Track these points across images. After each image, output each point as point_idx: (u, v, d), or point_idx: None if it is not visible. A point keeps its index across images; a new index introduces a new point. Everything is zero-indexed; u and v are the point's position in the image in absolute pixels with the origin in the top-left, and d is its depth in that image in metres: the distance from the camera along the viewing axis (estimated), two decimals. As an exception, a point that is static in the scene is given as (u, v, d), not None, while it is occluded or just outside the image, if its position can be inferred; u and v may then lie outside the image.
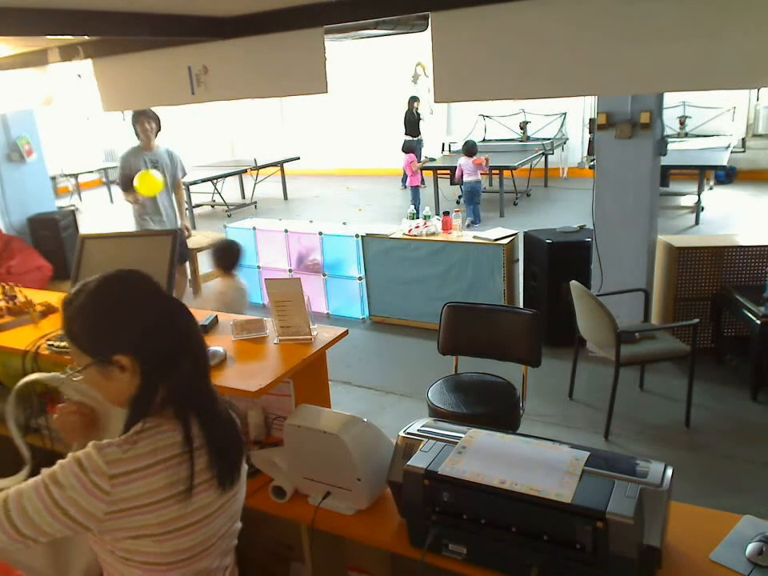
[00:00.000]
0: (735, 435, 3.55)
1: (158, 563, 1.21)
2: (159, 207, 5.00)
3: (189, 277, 6.12)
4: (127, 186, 4.86)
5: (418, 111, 11.15)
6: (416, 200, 8.97)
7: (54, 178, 9.98)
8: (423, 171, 9.29)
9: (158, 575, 1.22)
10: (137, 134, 4.93)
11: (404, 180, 11.49)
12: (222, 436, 1.28)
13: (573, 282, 3.72)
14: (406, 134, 11.09)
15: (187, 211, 5.30)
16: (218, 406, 1.31)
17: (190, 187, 9.41)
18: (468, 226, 8.06)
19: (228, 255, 3.81)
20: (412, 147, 8.85)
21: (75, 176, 12.03)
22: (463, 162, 8.39)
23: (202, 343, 1.29)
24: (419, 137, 11.02)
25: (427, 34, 2.17)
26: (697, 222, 8.05)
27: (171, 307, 1.25)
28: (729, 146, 9.34)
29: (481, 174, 8.42)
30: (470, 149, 8.46)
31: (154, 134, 4.95)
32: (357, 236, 5.31)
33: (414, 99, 11.15)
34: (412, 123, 11.07)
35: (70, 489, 1.11)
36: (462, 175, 8.38)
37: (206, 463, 1.24)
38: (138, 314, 1.20)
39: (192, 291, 6.24)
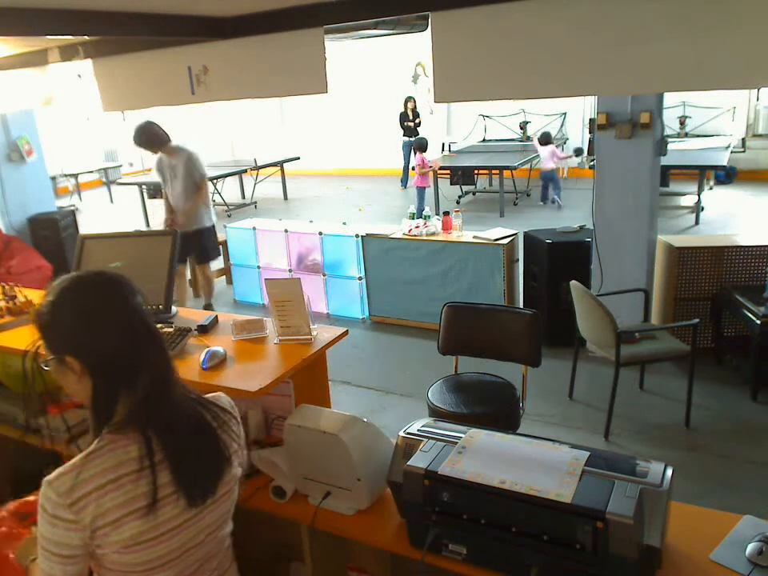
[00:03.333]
0: (735, 435, 3.55)
1: (125, 572, 1.22)
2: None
3: (188, 276, 6.13)
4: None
5: (417, 111, 11.16)
6: (421, 202, 8.94)
7: (54, 178, 9.98)
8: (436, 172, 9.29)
9: None
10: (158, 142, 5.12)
11: (404, 180, 11.50)
12: (186, 451, 1.25)
13: (573, 282, 3.72)
14: (403, 135, 11.13)
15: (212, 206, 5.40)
16: (185, 420, 1.27)
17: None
18: (557, 206, 9.18)
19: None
20: (424, 146, 8.83)
21: (75, 176, 12.04)
22: (541, 150, 9.02)
23: (164, 356, 1.27)
24: (413, 138, 11.04)
25: (427, 34, 2.17)
26: (697, 222, 8.05)
27: (131, 318, 1.22)
28: (729, 146, 9.34)
29: (558, 158, 9.29)
30: (546, 138, 9.10)
31: (155, 150, 5.16)
32: (357, 236, 5.31)
33: (408, 99, 11.17)
34: (406, 124, 11.09)
35: (51, 534, 1.15)
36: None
37: (169, 478, 1.22)
38: (91, 320, 1.20)
39: (192, 292, 6.25)
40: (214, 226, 5.39)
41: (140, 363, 1.21)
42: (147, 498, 1.18)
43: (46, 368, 1.26)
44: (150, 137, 5.06)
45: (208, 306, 5.79)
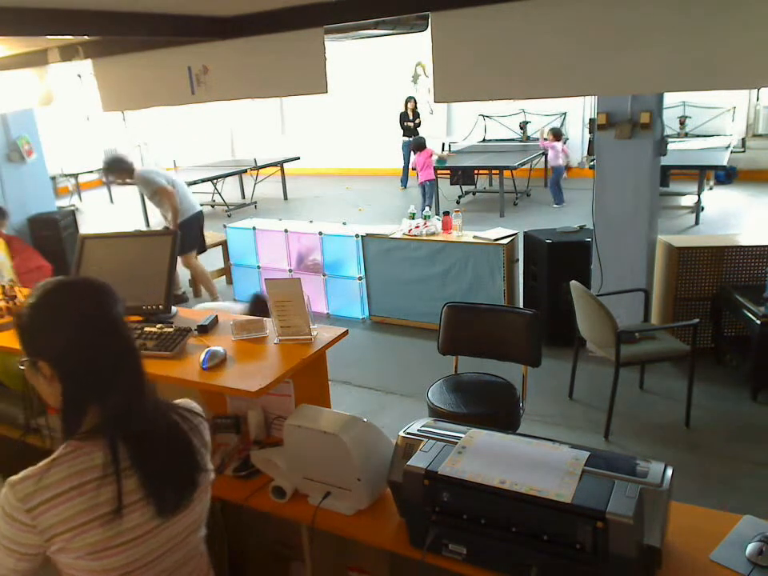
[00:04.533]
0: (735, 435, 3.55)
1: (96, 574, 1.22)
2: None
3: (188, 276, 6.13)
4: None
5: (417, 111, 11.15)
6: (431, 198, 8.95)
7: (54, 178, 9.97)
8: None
9: None
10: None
11: (404, 180, 11.50)
12: (157, 459, 1.24)
13: (573, 282, 3.72)
14: (403, 135, 11.13)
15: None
16: (158, 426, 1.27)
17: (190, 187, 9.41)
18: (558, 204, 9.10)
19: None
20: (422, 144, 8.85)
21: (75, 176, 12.04)
22: (555, 146, 9.12)
23: (138, 369, 1.26)
24: (414, 137, 11.06)
25: (427, 34, 2.17)
26: (697, 222, 8.05)
27: (106, 325, 1.22)
28: (729, 146, 9.34)
29: (565, 153, 9.34)
30: (557, 134, 9.14)
31: (125, 179, 5.77)
32: (357, 236, 5.31)
33: (408, 99, 11.17)
34: (408, 124, 11.08)
35: (9, 533, 1.17)
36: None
37: (136, 485, 1.21)
38: (62, 325, 1.19)
39: (192, 292, 6.25)
40: (191, 218, 5.69)
41: (113, 377, 1.21)
42: (111, 504, 1.18)
43: (21, 368, 1.26)
44: (120, 168, 5.66)
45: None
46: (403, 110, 11.21)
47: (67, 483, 1.17)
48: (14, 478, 1.17)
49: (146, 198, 5.69)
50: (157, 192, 5.51)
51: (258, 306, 3.73)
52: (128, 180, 5.66)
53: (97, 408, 1.21)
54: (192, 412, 1.39)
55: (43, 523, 1.15)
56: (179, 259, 5.71)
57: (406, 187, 11.45)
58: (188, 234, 5.61)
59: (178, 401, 1.40)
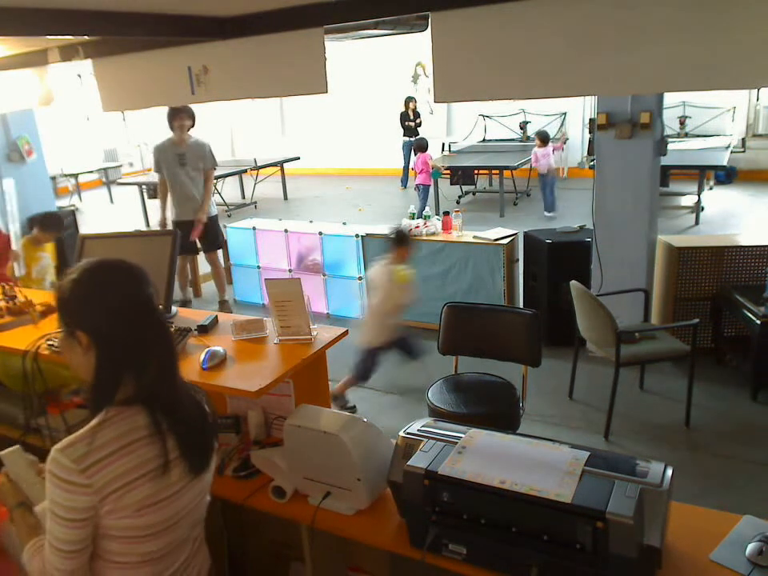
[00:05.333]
0: (735, 435, 3.55)
1: (135, 536, 1.28)
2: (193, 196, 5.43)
3: (189, 276, 6.13)
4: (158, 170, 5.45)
5: (417, 111, 11.16)
6: (424, 201, 8.92)
7: (54, 178, 9.97)
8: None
9: (134, 546, 1.30)
10: (171, 127, 5.31)
11: (404, 180, 11.50)
12: (186, 423, 1.34)
13: (573, 282, 3.72)
14: (404, 135, 11.12)
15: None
16: (184, 397, 1.37)
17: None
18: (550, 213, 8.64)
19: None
20: (424, 146, 8.82)
21: (75, 176, 12.03)
22: (540, 151, 8.70)
23: (169, 345, 1.36)
24: (414, 138, 11.03)
25: (427, 34, 2.17)
26: (697, 222, 8.05)
27: (143, 304, 1.30)
28: (729, 146, 9.34)
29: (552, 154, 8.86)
30: (544, 137, 8.75)
31: (187, 131, 5.37)
32: (357, 236, 5.31)
33: (409, 100, 11.16)
34: (409, 124, 11.07)
35: (62, 500, 1.21)
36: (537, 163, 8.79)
37: (173, 444, 1.31)
38: (103, 299, 1.27)
39: (192, 292, 6.25)
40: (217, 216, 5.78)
41: (148, 351, 1.28)
42: (158, 460, 1.27)
43: (54, 348, 1.36)
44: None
45: (223, 304, 5.82)
46: (404, 109, 11.21)
47: (117, 443, 1.24)
48: (60, 444, 1.22)
49: (187, 174, 5.41)
50: (208, 173, 5.52)
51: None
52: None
53: (131, 380, 1.28)
54: (198, 390, 1.49)
55: (99, 482, 1.20)
56: (205, 256, 5.82)
57: (406, 187, 11.45)
58: (218, 231, 5.76)
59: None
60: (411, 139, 11.03)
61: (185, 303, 5.91)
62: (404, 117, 11.23)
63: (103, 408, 1.27)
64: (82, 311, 1.27)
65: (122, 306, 1.27)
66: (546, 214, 8.78)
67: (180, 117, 5.23)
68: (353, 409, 3.98)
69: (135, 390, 1.28)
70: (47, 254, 4.04)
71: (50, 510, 1.23)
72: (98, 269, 1.31)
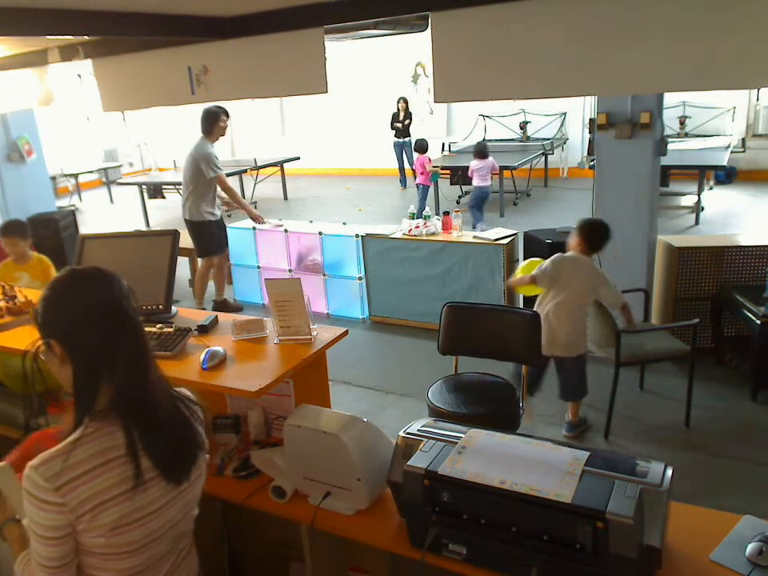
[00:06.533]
0: (735, 435, 3.55)
1: (112, 553, 1.27)
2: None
3: (189, 277, 6.12)
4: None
5: (409, 111, 10.97)
6: (423, 201, 8.86)
7: (54, 178, 9.98)
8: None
9: (112, 563, 1.28)
10: (211, 129, 5.36)
11: (403, 180, 11.47)
12: (163, 436, 1.32)
13: (573, 282, 3.71)
14: (394, 135, 11.03)
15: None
16: (162, 409, 1.34)
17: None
18: (478, 228, 7.58)
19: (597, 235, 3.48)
20: (424, 147, 8.75)
21: (75, 176, 12.02)
22: (475, 164, 8.06)
23: (142, 349, 1.33)
24: (406, 138, 10.96)
25: (427, 34, 2.17)
26: (697, 222, 8.05)
27: (111, 310, 1.29)
28: (729, 146, 9.33)
29: (493, 173, 8.15)
30: (481, 150, 8.14)
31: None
32: (357, 236, 5.31)
33: (400, 100, 11.02)
34: (397, 125, 10.98)
35: (39, 518, 1.20)
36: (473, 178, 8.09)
37: (150, 462, 1.29)
38: (71, 306, 1.28)
39: (191, 292, 6.24)
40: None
41: (118, 357, 1.27)
42: (134, 479, 1.25)
43: (41, 352, 1.34)
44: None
45: (217, 303, 5.79)
46: (395, 110, 11.07)
47: (92, 462, 1.23)
48: (34, 461, 1.21)
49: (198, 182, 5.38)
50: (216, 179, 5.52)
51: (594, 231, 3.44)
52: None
53: (108, 389, 1.27)
54: (190, 399, 1.47)
55: (73, 501, 1.19)
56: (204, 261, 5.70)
57: (405, 187, 11.44)
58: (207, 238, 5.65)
59: (176, 388, 1.47)
60: (401, 140, 11.01)
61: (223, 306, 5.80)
62: (394, 117, 11.09)
63: (84, 418, 1.27)
64: (52, 321, 1.28)
65: (90, 313, 1.27)
66: (481, 227, 7.51)
67: (224, 119, 5.37)
68: (585, 422, 3.67)
69: (111, 399, 1.27)
70: (25, 273, 3.86)
71: (29, 527, 1.23)
72: (67, 278, 1.32)
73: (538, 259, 3.69)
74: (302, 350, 2.10)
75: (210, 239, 5.59)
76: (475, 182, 8.07)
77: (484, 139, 12.17)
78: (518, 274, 3.71)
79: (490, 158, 8.13)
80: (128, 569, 1.30)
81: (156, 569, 1.37)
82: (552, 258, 3.45)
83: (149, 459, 1.28)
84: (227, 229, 5.85)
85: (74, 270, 1.35)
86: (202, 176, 5.32)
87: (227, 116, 5.42)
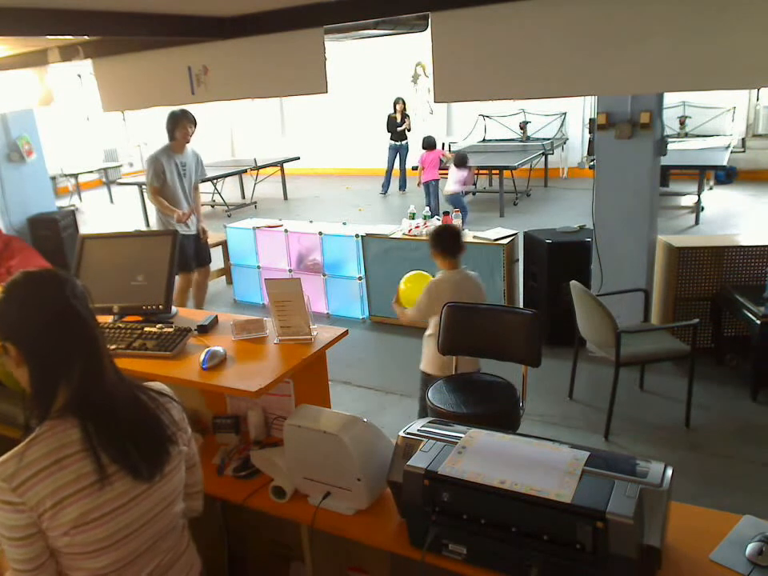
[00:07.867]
0: (735, 435, 3.55)
1: (79, 552, 1.27)
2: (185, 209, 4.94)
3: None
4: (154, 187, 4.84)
5: (406, 113, 10.74)
6: (435, 197, 8.62)
7: (54, 178, 9.97)
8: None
9: (82, 562, 1.28)
10: (172, 135, 4.88)
11: (385, 185, 11.07)
12: (123, 431, 1.31)
13: (573, 282, 3.72)
14: (391, 138, 10.82)
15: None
16: (120, 404, 1.33)
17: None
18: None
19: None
20: (433, 143, 8.63)
21: (75, 176, 12.03)
22: (457, 174, 7.85)
23: (95, 346, 1.33)
24: (403, 141, 10.78)
25: (427, 34, 2.17)
26: (697, 222, 8.05)
27: (62, 310, 1.29)
28: (729, 146, 9.33)
29: (463, 184, 7.91)
30: (460, 160, 7.90)
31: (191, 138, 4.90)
32: (357, 236, 5.31)
33: (397, 101, 10.73)
34: (393, 127, 10.78)
35: (4, 519, 1.21)
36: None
37: (109, 457, 1.28)
38: (23, 309, 1.29)
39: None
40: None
41: (71, 354, 1.29)
42: (94, 475, 1.25)
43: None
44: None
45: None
46: (392, 112, 10.75)
47: (48, 459, 1.23)
48: None
49: (183, 187, 4.98)
50: (197, 184, 5.21)
51: None
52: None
53: (65, 389, 1.28)
54: (160, 393, 1.46)
55: (32, 499, 1.20)
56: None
57: (386, 194, 11.07)
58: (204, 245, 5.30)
59: (148, 383, 1.47)
60: (397, 143, 10.76)
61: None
62: (392, 120, 10.74)
63: (43, 420, 1.28)
64: (5, 324, 1.30)
65: (41, 316, 1.28)
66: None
67: (185, 124, 4.85)
68: None
69: (67, 399, 1.28)
70: None
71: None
72: (20, 282, 1.33)
73: (425, 273, 3.50)
74: (301, 350, 2.10)
75: (179, 253, 5.12)
76: (448, 187, 7.92)
77: (484, 139, 12.19)
78: (402, 285, 3.50)
79: (468, 170, 7.88)
80: (102, 567, 1.29)
81: (135, 568, 1.35)
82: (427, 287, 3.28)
83: (108, 455, 1.28)
84: (226, 232, 5.70)
85: (27, 273, 1.35)
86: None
87: (192, 122, 4.93)
